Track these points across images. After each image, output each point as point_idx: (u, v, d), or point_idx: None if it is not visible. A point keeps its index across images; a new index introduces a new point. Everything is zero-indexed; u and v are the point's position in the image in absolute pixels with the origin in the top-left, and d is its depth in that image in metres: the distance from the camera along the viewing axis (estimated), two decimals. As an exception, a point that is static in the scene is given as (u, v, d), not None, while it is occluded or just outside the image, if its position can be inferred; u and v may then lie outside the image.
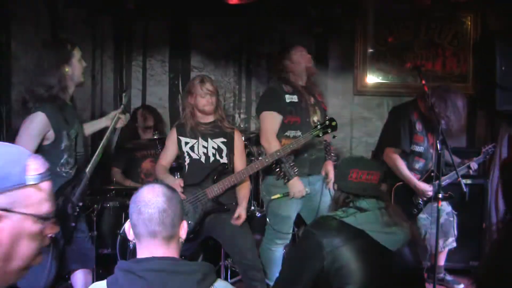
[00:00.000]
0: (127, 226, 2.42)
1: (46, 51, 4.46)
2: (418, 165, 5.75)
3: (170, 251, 2.34)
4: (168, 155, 5.21)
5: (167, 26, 7.62)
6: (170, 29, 7.64)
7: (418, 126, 5.70)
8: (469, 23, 7.22)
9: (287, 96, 5.31)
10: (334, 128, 4.90)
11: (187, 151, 5.04)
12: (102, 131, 5.05)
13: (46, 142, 4.31)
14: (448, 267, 6.11)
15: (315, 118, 5.39)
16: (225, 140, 5.08)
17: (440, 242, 5.67)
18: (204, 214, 4.92)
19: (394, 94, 7.42)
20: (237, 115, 7.60)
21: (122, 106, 5.05)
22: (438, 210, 5.01)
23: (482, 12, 7.15)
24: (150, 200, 2.34)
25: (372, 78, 7.42)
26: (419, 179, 5.70)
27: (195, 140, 5.04)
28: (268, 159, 4.92)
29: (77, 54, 4.47)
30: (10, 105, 5.60)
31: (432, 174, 5.67)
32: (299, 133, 5.28)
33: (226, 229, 4.96)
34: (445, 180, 5.58)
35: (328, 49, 7.51)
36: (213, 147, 5.05)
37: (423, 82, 5.37)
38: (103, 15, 7.35)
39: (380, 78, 7.42)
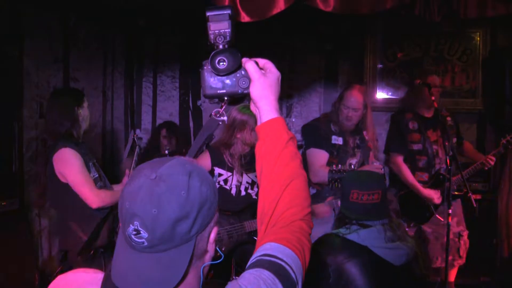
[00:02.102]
0: None
1: (60, 94, 4.66)
2: (421, 163, 5.77)
3: None
4: None
5: (177, 43, 7.67)
6: (180, 45, 7.69)
7: (412, 125, 5.74)
8: (478, 39, 7.24)
9: (333, 137, 5.39)
10: None
11: (219, 181, 4.94)
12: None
13: None
14: (459, 283, 6.08)
15: (353, 161, 5.47)
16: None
17: (439, 258, 5.66)
18: (237, 245, 4.88)
19: (403, 109, 7.44)
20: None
21: (134, 161, 5.12)
22: (448, 226, 5.00)
23: (491, 28, 7.17)
24: None
25: (382, 94, 7.45)
26: (428, 178, 5.72)
27: (230, 174, 4.94)
28: None
29: (86, 101, 4.59)
30: (22, 120, 5.63)
31: (441, 177, 5.67)
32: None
33: (247, 251, 4.87)
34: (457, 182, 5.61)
35: (338, 65, 7.56)
36: (247, 182, 4.99)
37: (433, 98, 5.38)
38: (115, 31, 7.41)
39: (390, 93, 7.44)
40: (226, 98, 2.02)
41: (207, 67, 1.98)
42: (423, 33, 7.26)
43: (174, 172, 1.64)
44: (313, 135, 5.54)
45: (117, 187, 4.74)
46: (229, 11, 1.93)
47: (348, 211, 3.28)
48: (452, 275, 5.97)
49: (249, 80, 1.99)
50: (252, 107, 2.06)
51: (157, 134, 6.90)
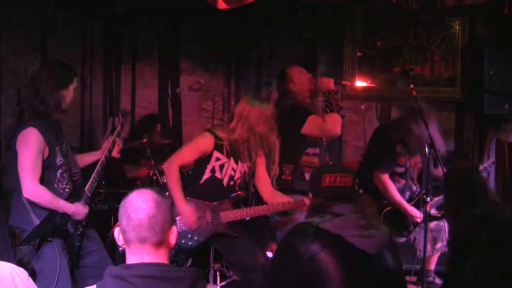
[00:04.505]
0: (116, 231, 2.41)
1: (52, 71, 4.41)
2: (398, 185, 5.74)
3: (159, 256, 2.33)
4: (191, 158, 4.92)
5: (156, 30, 7.63)
6: (159, 32, 7.65)
7: (400, 148, 5.71)
8: (457, 27, 7.26)
9: None
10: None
11: (213, 167, 4.86)
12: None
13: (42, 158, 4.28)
14: (438, 271, 6.11)
15: (323, 138, 5.49)
16: (251, 164, 4.99)
17: (428, 246, 5.68)
18: (212, 235, 4.86)
19: (382, 98, 7.45)
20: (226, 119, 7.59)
21: (117, 130, 4.88)
22: (427, 214, 5.02)
23: (470, 17, 7.19)
24: (140, 206, 2.32)
25: (361, 82, 7.44)
26: (407, 201, 5.72)
27: (227, 160, 4.86)
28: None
29: (75, 82, 4.49)
30: (-1, 107, 5.61)
31: (425, 196, 5.68)
32: (317, 150, 5.39)
33: (224, 238, 4.89)
34: (438, 202, 5.62)
35: (317, 53, 7.54)
36: (240, 171, 4.95)
37: (411, 86, 5.39)
38: (93, 18, 7.34)
39: (369, 82, 7.44)
40: None
41: None
42: (402, 22, 7.27)
43: None
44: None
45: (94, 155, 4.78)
46: None
47: (322, 194, 3.28)
48: (432, 263, 6.00)
49: None
50: None
51: (149, 125, 6.82)
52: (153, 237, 2.31)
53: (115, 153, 4.78)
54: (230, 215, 4.82)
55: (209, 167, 4.87)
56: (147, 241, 2.31)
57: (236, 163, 4.91)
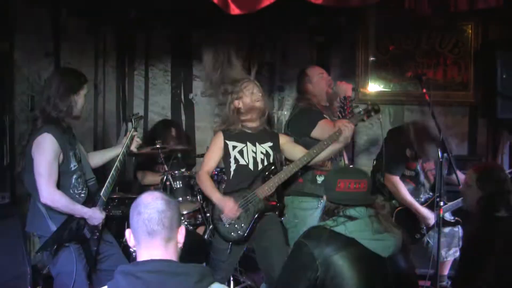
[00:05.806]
0: (127, 232, 2.50)
1: (63, 77, 4.46)
2: (408, 187, 5.75)
3: (168, 253, 2.44)
4: (213, 161, 5.02)
5: (169, 36, 7.65)
6: (172, 38, 7.68)
7: (411, 153, 5.71)
8: (470, 31, 7.23)
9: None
10: (378, 111, 5.00)
11: (234, 156, 4.92)
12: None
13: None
14: (451, 275, 6.08)
15: None
16: (271, 144, 5.00)
17: (442, 251, 5.65)
18: (256, 215, 4.85)
19: (395, 102, 7.43)
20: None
21: (133, 129, 4.93)
22: (440, 218, 5.00)
23: (483, 21, 7.16)
24: (150, 203, 2.46)
25: (374, 87, 7.45)
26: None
27: (243, 145, 4.93)
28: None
29: (86, 88, 4.52)
30: (13, 114, 5.62)
31: (438, 199, 5.65)
32: None
33: (263, 239, 4.90)
34: (452, 207, 5.61)
35: (330, 58, 7.54)
36: (261, 152, 4.95)
37: (424, 90, 5.38)
38: (106, 24, 7.38)
39: (382, 86, 7.44)
40: None
41: None
42: (415, 26, 7.25)
43: None
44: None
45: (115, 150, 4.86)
46: None
47: (336, 200, 3.30)
48: (446, 268, 5.97)
49: None
50: None
51: (163, 131, 6.85)
52: (162, 231, 2.42)
53: (133, 148, 4.88)
54: (265, 188, 4.82)
55: (231, 159, 4.93)
56: (156, 235, 2.42)
57: (254, 145, 4.95)
